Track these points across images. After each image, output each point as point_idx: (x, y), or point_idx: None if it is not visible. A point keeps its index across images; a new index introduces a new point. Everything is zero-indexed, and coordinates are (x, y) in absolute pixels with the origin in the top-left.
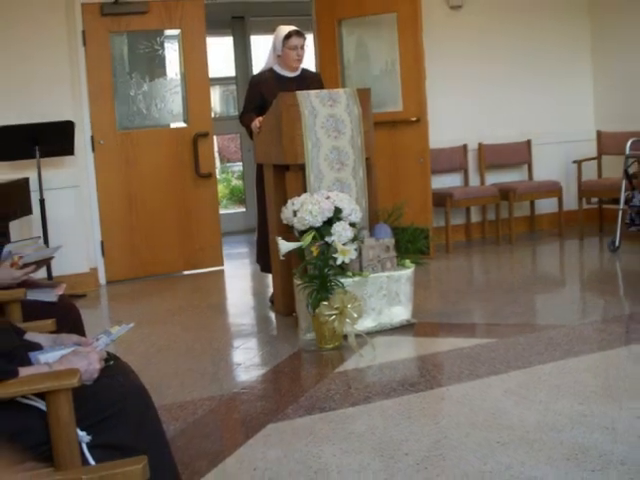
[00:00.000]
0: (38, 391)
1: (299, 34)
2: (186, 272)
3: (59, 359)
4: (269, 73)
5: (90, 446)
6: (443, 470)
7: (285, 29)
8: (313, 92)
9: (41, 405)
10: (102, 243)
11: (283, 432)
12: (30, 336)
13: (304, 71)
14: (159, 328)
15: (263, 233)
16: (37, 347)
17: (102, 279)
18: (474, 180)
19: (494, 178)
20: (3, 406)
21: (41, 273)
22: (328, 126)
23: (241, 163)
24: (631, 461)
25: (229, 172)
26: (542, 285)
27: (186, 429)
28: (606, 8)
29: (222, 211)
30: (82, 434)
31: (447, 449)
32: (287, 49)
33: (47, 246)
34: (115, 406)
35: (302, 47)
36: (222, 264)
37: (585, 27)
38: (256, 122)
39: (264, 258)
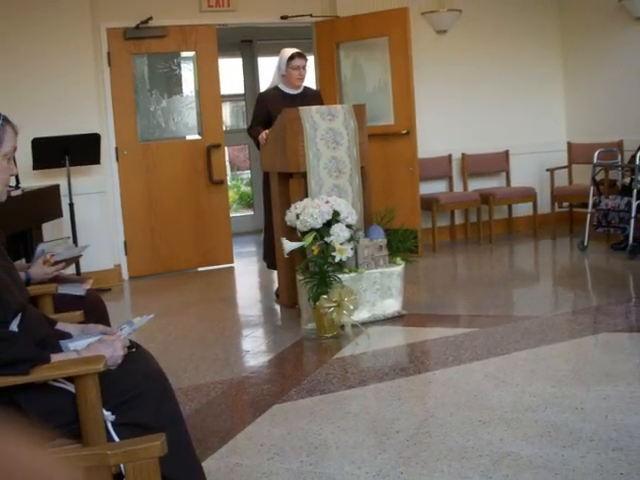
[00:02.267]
0: (68, 375)
1: (301, 56)
2: (200, 269)
3: (87, 347)
4: (274, 90)
5: (114, 424)
6: (429, 446)
7: (289, 51)
8: (314, 108)
9: (70, 388)
10: (125, 243)
11: (287, 412)
12: (61, 326)
13: (306, 89)
14: (176, 319)
15: (269, 234)
16: (67, 336)
17: (125, 275)
18: (458, 186)
19: (476, 184)
20: (37, 388)
21: (70, 269)
22: (327, 138)
23: (249, 171)
24: (598, 437)
25: (239, 179)
26: (518, 280)
27: (200, 409)
28: (576, 33)
29: (232, 214)
30: (107, 414)
31: (434, 427)
32: (290, 69)
33: (76, 245)
34: (137, 389)
35: (304, 67)
36: (232, 262)
37: (557, 50)
38: (263, 135)
39: (270, 256)
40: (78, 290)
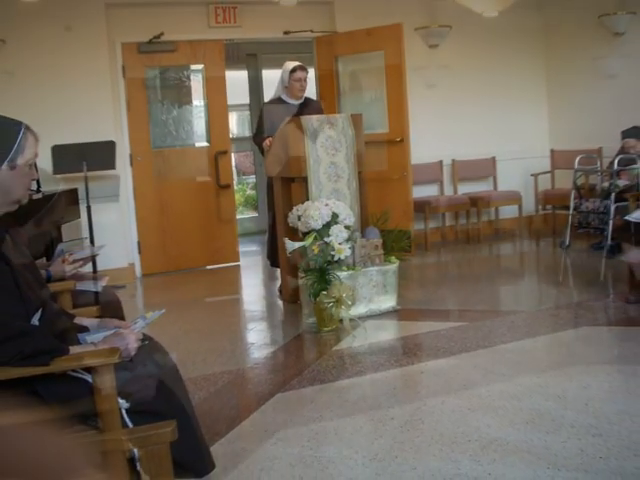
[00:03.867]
0: (85, 366)
1: (302, 68)
2: (208, 267)
3: (102, 339)
4: (278, 100)
5: (128, 411)
6: (422, 432)
7: (291, 64)
8: (314, 117)
9: (88, 378)
10: (139, 243)
11: (289, 400)
12: (78, 320)
13: (307, 99)
14: (186, 313)
15: (273, 234)
16: (85, 329)
17: (138, 272)
18: (448, 190)
19: (465, 188)
20: (57, 378)
21: (87, 267)
22: (327, 145)
23: (254, 176)
24: (579, 424)
25: (244, 183)
26: (505, 277)
27: (208, 397)
28: (559, 47)
29: (238, 216)
30: (122, 401)
31: (426, 414)
32: (293, 81)
33: (92, 246)
34: (149, 378)
35: (305, 79)
36: (238, 260)
37: (541, 62)
38: (267, 142)
39: (273, 255)
40: (95, 286)
